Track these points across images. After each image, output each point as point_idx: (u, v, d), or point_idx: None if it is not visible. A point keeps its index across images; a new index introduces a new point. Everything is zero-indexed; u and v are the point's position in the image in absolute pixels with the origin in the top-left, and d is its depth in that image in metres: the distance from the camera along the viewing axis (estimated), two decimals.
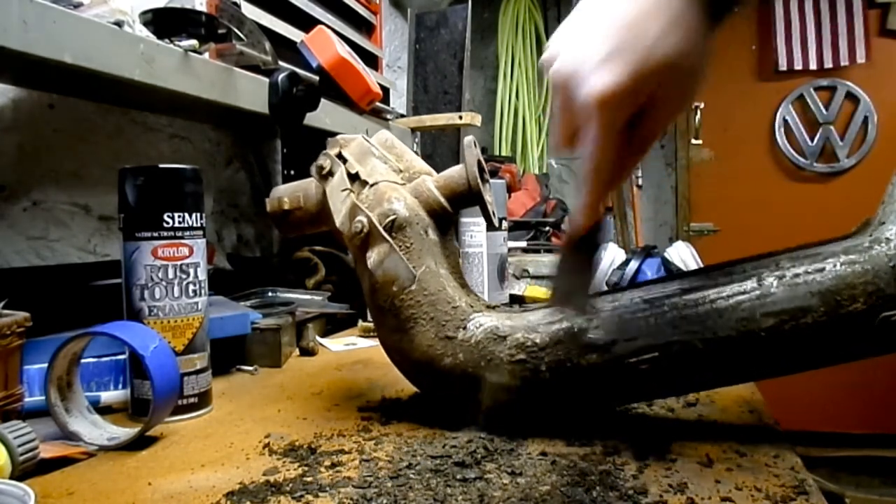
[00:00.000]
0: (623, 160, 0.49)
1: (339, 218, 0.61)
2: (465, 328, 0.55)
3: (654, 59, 0.44)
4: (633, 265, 1.44)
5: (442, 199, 0.60)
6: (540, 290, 1.31)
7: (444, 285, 0.57)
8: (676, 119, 0.48)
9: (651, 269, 1.63)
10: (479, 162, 0.61)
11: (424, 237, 0.58)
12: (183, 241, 0.64)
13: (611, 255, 1.52)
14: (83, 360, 0.59)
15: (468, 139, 0.61)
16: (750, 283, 0.51)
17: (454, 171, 0.61)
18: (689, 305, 0.51)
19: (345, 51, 1.22)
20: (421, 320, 0.56)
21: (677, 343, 0.51)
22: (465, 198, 0.60)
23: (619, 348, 0.52)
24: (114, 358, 0.67)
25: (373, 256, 0.58)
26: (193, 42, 0.83)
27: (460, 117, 1.62)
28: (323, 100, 1.11)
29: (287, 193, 0.68)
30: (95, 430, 0.57)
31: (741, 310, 0.50)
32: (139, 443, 0.55)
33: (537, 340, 0.53)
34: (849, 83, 2.91)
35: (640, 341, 0.51)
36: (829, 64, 2.90)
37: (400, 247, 0.57)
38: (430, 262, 0.57)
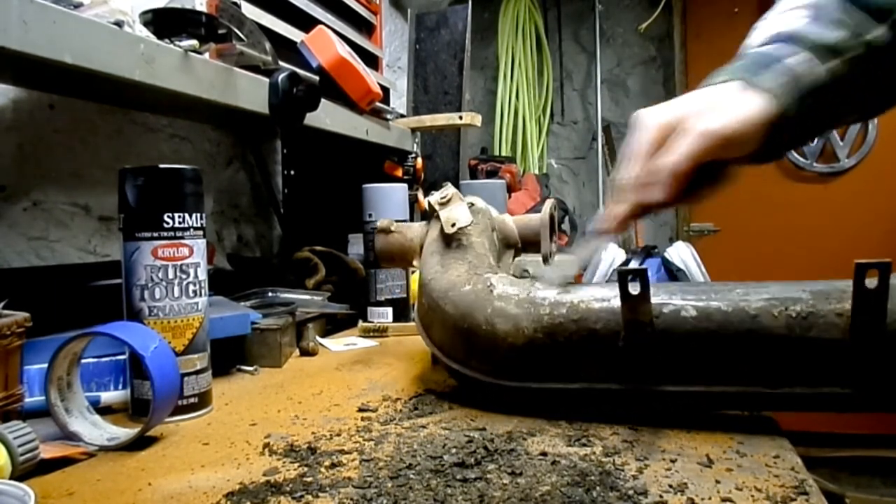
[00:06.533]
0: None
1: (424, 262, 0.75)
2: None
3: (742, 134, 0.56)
4: (634, 265, 1.44)
5: (517, 237, 0.80)
6: None
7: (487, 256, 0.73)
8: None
9: (651, 269, 1.63)
10: (552, 217, 0.79)
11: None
12: (183, 241, 0.63)
13: (611, 256, 1.53)
14: (83, 360, 0.59)
15: (550, 203, 0.79)
16: None
17: (533, 220, 0.79)
18: None
19: (345, 51, 1.22)
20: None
21: None
22: (533, 243, 0.79)
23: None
24: (114, 358, 0.67)
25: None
26: (193, 42, 0.83)
27: (460, 117, 1.62)
28: (323, 100, 1.11)
29: (395, 223, 0.85)
30: (95, 431, 0.57)
31: None
32: (139, 443, 0.55)
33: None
34: None
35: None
36: None
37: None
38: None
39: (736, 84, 0.57)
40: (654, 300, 0.55)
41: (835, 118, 0.63)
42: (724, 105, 0.56)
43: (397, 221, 0.83)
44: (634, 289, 0.54)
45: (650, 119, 0.59)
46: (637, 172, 0.58)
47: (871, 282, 0.49)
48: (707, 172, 0.58)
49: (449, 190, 0.77)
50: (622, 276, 0.54)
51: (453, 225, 0.73)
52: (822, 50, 0.57)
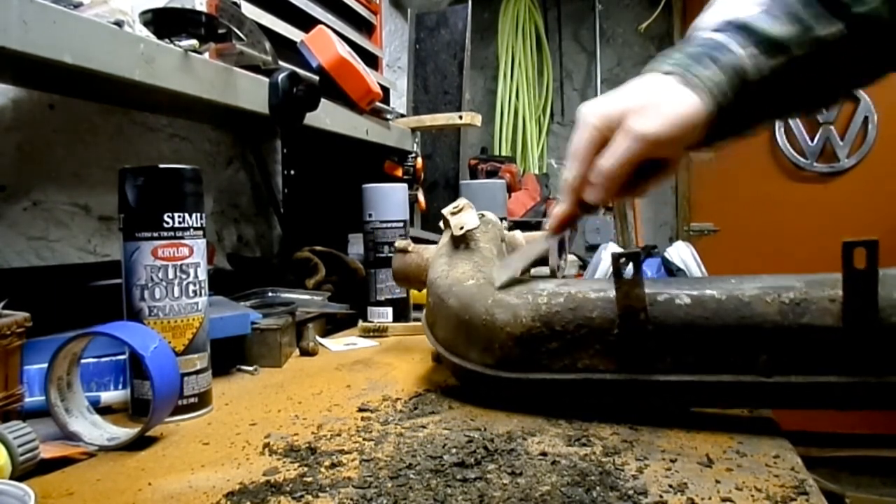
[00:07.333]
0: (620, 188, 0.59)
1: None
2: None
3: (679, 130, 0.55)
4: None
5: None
6: None
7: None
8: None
9: (651, 269, 1.63)
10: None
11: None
12: (183, 241, 0.64)
13: (610, 256, 1.52)
14: (83, 360, 0.59)
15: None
16: None
17: (539, 236, 0.82)
18: None
19: (345, 51, 1.22)
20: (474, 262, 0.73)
21: None
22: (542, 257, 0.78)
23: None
24: (114, 358, 0.67)
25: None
26: (193, 42, 0.83)
27: (460, 117, 1.62)
28: (323, 100, 1.11)
29: (413, 244, 0.90)
30: (95, 431, 0.57)
31: None
32: (139, 443, 0.55)
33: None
34: None
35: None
36: None
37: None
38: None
39: (676, 79, 0.56)
40: (649, 290, 0.56)
41: (780, 111, 0.64)
42: (660, 103, 0.56)
43: (413, 240, 0.85)
44: (627, 272, 0.54)
45: (589, 116, 0.59)
46: (576, 172, 0.59)
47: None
48: (648, 166, 0.58)
49: (461, 202, 0.79)
50: (615, 259, 0.55)
51: (462, 228, 0.74)
52: (769, 44, 0.56)
